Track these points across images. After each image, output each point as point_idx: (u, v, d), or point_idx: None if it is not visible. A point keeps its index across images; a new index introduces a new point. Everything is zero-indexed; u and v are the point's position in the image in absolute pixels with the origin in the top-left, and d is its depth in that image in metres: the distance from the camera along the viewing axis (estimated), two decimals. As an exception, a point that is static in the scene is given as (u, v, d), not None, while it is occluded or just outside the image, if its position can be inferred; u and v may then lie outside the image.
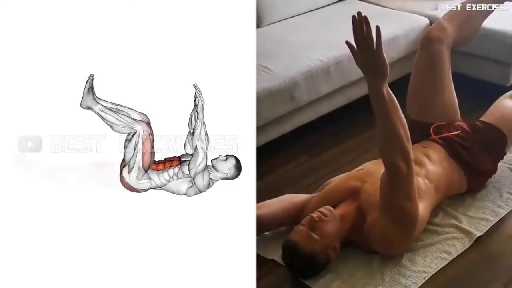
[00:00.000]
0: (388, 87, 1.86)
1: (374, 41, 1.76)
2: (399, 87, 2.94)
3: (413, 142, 2.38)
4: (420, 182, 2.16)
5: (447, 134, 2.33)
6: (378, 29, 1.74)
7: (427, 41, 2.39)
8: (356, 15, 1.75)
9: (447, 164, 2.29)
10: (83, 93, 1.44)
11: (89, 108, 1.45)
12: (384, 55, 1.78)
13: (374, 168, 2.19)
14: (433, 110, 2.39)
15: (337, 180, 2.28)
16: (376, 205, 2.04)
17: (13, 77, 1.43)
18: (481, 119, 2.44)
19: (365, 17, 1.75)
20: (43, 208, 1.44)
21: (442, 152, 2.31)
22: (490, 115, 2.44)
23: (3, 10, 1.42)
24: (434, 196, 2.20)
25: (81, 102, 1.45)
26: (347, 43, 1.81)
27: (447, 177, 2.26)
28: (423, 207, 2.10)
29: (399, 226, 2.00)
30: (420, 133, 2.38)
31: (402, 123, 1.89)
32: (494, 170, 2.42)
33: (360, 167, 2.31)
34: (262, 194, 2.16)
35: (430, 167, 2.23)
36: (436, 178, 2.22)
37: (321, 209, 2.07)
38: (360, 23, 1.75)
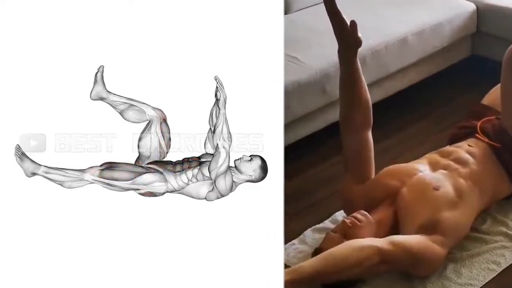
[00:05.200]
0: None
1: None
2: (441, 79, 2.83)
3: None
4: (462, 183, 2.09)
5: (488, 141, 2.23)
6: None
7: None
8: None
9: (493, 164, 2.21)
10: (94, 83, 1.40)
11: (101, 99, 1.40)
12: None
13: (415, 166, 2.15)
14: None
15: (384, 172, 2.21)
16: (411, 220, 1.98)
17: (16, 71, 1.38)
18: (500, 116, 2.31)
19: None
20: (48, 212, 1.39)
21: (488, 152, 2.22)
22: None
23: (7, 2, 1.37)
24: (478, 199, 2.13)
25: (91, 93, 1.41)
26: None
27: (493, 179, 2.19)
28: (463, 212, 2.04)
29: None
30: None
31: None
32: None
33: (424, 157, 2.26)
34: (291, 198, 2.11)
35: (475, 167, 2.16)
36: (481, 180, 2.14)
37: (355, 214, 2.03)
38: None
